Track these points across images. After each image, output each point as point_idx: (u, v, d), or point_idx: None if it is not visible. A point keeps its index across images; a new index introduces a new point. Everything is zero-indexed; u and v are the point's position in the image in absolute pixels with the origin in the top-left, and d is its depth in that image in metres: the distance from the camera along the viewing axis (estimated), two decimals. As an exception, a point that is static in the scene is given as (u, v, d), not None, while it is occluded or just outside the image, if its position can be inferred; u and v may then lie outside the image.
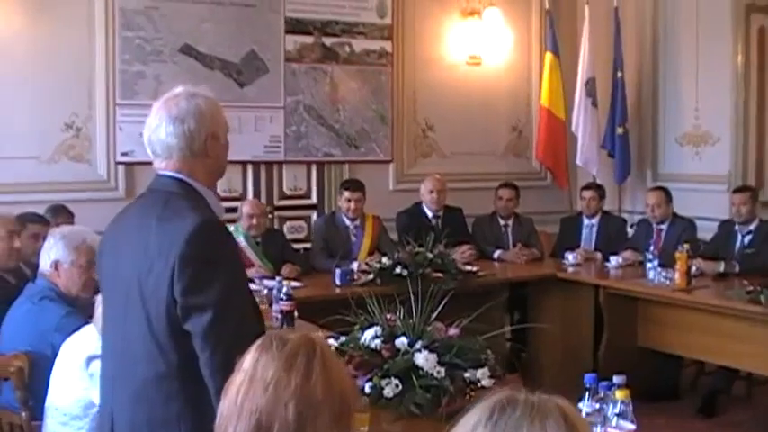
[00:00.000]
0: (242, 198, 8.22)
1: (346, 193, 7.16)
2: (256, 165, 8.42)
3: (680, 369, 6.75)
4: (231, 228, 6.84)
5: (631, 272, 6.85)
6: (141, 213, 2.81)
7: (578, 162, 9.12)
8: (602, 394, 2.69)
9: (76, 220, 6.96)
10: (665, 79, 9.02)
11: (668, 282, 6.24)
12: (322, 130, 8.58)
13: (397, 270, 6.20)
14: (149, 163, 7.03)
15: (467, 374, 3.41)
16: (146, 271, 2.63)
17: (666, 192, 7.40)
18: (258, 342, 1.97)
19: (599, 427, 2.61)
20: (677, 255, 6.17)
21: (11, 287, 4.41)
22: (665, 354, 6.52)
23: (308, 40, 8.49)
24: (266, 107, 8.34)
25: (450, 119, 9.15)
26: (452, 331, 3.67)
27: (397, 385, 3.36)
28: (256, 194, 8.38)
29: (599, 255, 7.32)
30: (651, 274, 6.44)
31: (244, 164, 8.37)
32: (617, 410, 2.58)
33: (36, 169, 7.46)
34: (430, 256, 6.32)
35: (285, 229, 8.43)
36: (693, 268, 6.38)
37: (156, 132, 2.81)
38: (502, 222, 7.75)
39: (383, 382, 3.39)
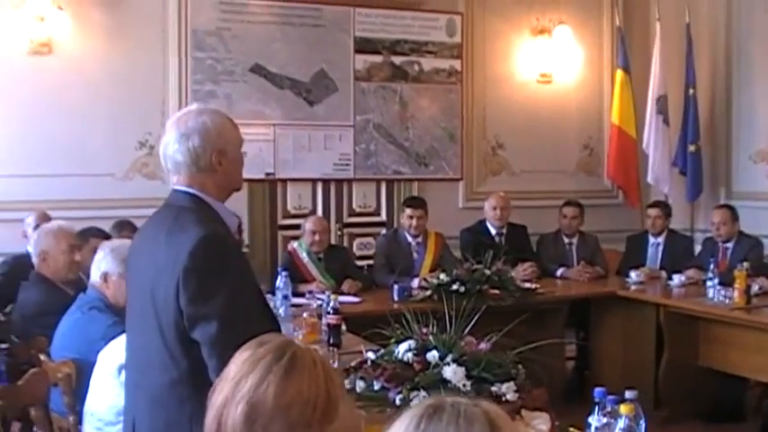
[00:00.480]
0: (311, 214, 8.39)
1: (408, 211, 7.23)
2: (326, 182, 8.56)
3: (744, 390, 6.61)
4: (295, 244, 7.00)
5: (694, 291, 6.75)
6: (155, 227, 2.98)
7: (649, 180, 9.03)
8: (609, 409, 2.69)
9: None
10: (739, 95, 8.87)
11: (727, 300, 6.14)
12: (391, 147, 8.67)
13: (455, 287, 6.24)
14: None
15: (493, 388, 3.44)
16: (157, 283, 2.78)
17: (732, 210, 7.30)
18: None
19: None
20: (736, 273, 6.08)
21: (69, 298, 4.58)
22: (729, 374, 6.41)
23: (378, 59, 8.60)
24: (336, 125, 8.47)
25: (521, 137, 9.16)
26: (483, 346, 3.69)
27: (424, 398, 3.40)
28: (325, 211, 8.53)
29: (663, 273, 7.24)
30: (710, 293, 6.36)
31: (314, 181, 8.53)
32: (622, 426, 2.58)
33: (111, 186, 7.70)
34: (488, 272, 6.34)
35: (354, 246, 8.55)
36: (756, 287, 6.29)
37: (167, 149, 2.94)
38: (566, 240, 7.72)
39: (412, 395, 3.45)
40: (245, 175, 7.48)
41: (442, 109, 8.85)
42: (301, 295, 6.28)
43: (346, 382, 3.67)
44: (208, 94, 8.02)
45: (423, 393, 3.43)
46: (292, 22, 8.28)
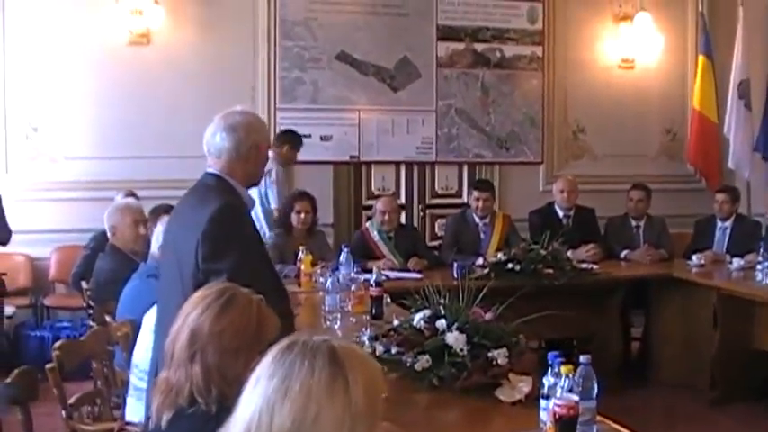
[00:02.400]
0: (395, 196, 8.78)
1: (475, 193, 7.48)
2: (409, 165, 8.93)
3: None
4: (368, 223, 7.38)
5: (751, 274, 6.83)
6: (187, 200, 3.59)
7: (730, 165, 9.10)
8: (557, 369, 2.97)
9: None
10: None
11: (776, 284, 6.26)
12: (473, 132, 8.97)
13: (510, 265, 6.52)
14: (306, 162, 7.74)
15: (489, 354, 3.74)
16: (183, 243, 3.35)
17: None
18: None
19: (552, 399, 2.90)
20: (781, 256, 6.21)
21: (137, 267, 5.06)
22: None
23: (460, 46, 8.91)
24: (418, 110, 8.83)
25: (602, 121, 9.35)
26: (488, 316, 3.98)
27: (427, 360, 3.74)
28: (408, 193, 8.94)
29: (727, 257, 7.32)
30: (759, 276, 6.46)
31: (397, 164, 8.93)
32: (562, 384, 2.87)
33: (203, 168, 8.16)
34: (543, 252, 6.58)
35: (435, 227, 8.89)
36: (743, 261, 6.43)
37: (213, 137, 3.49)
38: (633, 223, 7.85)
39: (419, 358, 3.78)
40: (331, 158, 8.06)
41: (524, 94, 9.11)
42: (369, 271, 6.64)
43: (368, 346, 4.04)
44: (295, 81, 8.47)
45: (425, 357, 3.75)
46: (377, 12, 8.66)
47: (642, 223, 7.85)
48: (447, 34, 8.86)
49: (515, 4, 9.04)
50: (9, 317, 7.36)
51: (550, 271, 6.50)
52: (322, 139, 8.56)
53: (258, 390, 1.78)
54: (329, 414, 1.74)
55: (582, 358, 3.07)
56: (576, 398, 2.86)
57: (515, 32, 9.05)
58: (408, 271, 6.82)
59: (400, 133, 8.75)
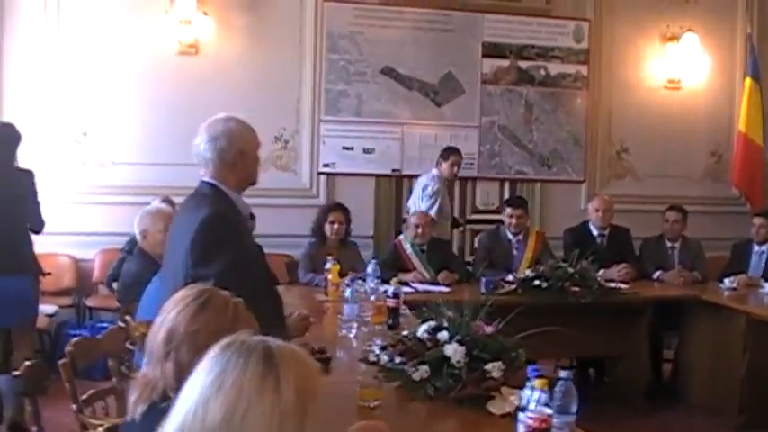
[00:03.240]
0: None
1: (508, 210, 7.54)
2: (450, 180, 8.95)
3: None
4: (401, 236, 7.47)
5: (783, 300, 6.82)
6: (183, 208, 3.76)
7: (774, 188, 9.04)
8: (533, 383, 3.03)
9: (281, 224, 7.88)
10: None
11: (802, 310, 6.22)
12: (515, 149, 9.03)
13: (537, 282, 6.57)
14: (349, 174, 7.93)
15: (486, 366, 3.81)
16: (176, 249, 3.53)
17: None
18: None
19: (526, 412, 2.96)
20: (809, 281, 6.17)
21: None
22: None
23: (504, 63, 8.97)
24: (461, 126, 8.92)
25: (647, 142, 9.34)
26: (489, 329, 4.04)
27: (426, 371, 3.82)
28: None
29: (762, 281, 7.27)
30: (787, 301, 6.46)
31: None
32: (536, 397, 2.93)
33: (245, 176, 8.34)
34: (570, 270, 6.62)
35: (475, 242, 8.94)
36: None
37: (198, 147, 3.63)
38: (669, 244, 7.83)
39: (419, 368, 3.86)
40: (373, 171, 8.23)
41: (567, 112, 9.14)
42: (404, 284, 6.75)
43: (375, 355, 4.14)
44: (340, 94, 8.60)
45: (424, 367, 3.83)
46: (422, 27, 8.77)
47: (677, 245, 7.84)
48: (492, 51, 8.93)
49: (561, 22, 9.08)
50: (51, 315, 7.57)
51: (577, 289, 6.53)
52: (365, 151, 8.68)
53: (196, 384, 1.88)
54: (258, 410, 1.81)
55: (562, 373, 3.12)
56: (548, 411, 2.92)
57: (560, 51, 9.09)
58: (438, 284, 6.89)
59: (443, 148, 8.81)
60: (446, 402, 3.63)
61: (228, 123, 3.65)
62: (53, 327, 7.77)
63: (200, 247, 3.40)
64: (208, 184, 3.60)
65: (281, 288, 6.92)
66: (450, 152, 8.22)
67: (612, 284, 6.90)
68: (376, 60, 8.68)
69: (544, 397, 2.93)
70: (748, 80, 9.20)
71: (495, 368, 3.74)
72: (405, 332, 4.37)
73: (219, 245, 3.41)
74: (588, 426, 6.29)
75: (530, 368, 3.10)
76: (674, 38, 9.28)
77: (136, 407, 2.48)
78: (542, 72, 9.07)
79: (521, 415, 2.98)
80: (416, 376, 3.81)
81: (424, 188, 8.09)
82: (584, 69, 9.16)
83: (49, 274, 7.56)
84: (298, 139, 8.60)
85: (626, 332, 6.96)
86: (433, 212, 7.85)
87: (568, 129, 9.16)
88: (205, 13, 8.26)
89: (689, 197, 9.18)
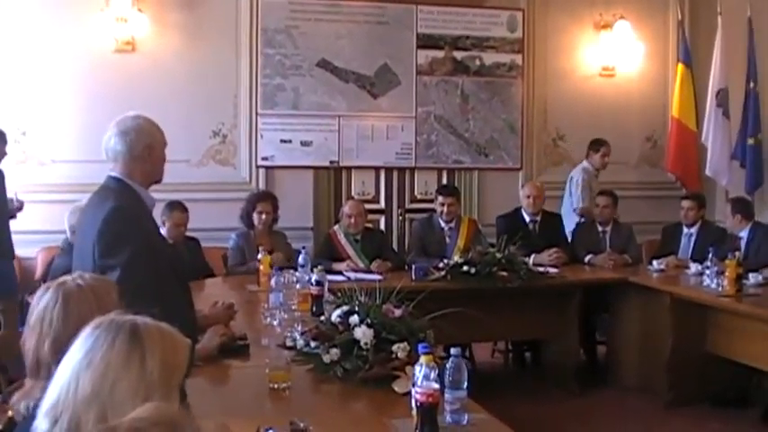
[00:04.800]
0: (375, 200, 8.99)
1: (440, 198, 7.62)
2: (388, 170, 9.13)
3: (750, 377, 6.72)
4: (336, 226, 7.56)
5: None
6: (90, 202, 3.82)
7: (708, 172, 9.19)
8: (422, 360, 3.13)
9: (221, 217, 7.97)
10: (804, 88, 8.97)
11: (720, 289, 6.36)
12: (452, 138, 9.15)
13: (465, 268, 6.68)
14: (287, 167, 7.99)
15: (393, 347, 3.92)
16: (82, 241, 3.67)
17: (738, 201, 7.64)
18: None
19: (416, 387, 3.07)
20: (726, 262, 6.28)
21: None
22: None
23: (439, 54, 9.09)
24: (398, 116, 9.02)
25: (582, 129, 9.44)
26: (398, 312, 4.15)
27: (336, 353, 3.92)
28: (388, 198, 9.14)
29: (690, 263, 7.40)
30: (706, 281, 6.57)
31: (376, 169, 9.11)
32: (422, 372, 3.03)
33: (186, 171, 8.40)
34: (498, 256, 6.72)
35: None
36: (760, 277, 6.51)
37: (108, 142, 3.74)
38: (600, 229, 7.96)
39: (330, 351, 3.97)
40: (311, 163, 8.38)
41: (503, 101, 9.27)
42: (337, 273, 6.86)
43: (292, 340, 4.25)
44: (276, 88, 8.68)
45: (335, 350, 3.94)
46: (357, 20, 8.87)
47: (609, 229, 7.96)
48: (427, 42, 9.04)
49: (495, 12, 9.20)
50: (-8, 314, 7.60)
51: (505, 274, 6.63)
52: (303, 144, 8.76)
53: (69, 362, 2.00)
54: (125, 382, 1.94)
55: (452, 351, 3.24)
56: (435, 386, 3.02)
57: (495, 41, 9.21)
58: (371, 273, 7.00)
59: (380, 139, 8.94)
60: (355, 383, 3.75)
61: (138, 120, 3.77)
62: (-5, 325, 7.79)
63: (106, 238, 3.51)
64: (114, 178, 3.70)
65: (216, 280, 7.05)
66: (599, 143, 8.74)
67: (541, 269, 7.01)
68: (312, 54, 8.76)
69: (432, 373, 3.03)
70: (680, 66, 9.36)
71: (400, 349, 3.85)
72: (322, 318, 4.49)
73: (124, 236, 3.52)
74: (522, 406, 6.48)
75: (420, 346, 3.20)
76: (607, 26, 9.43)
77: (19, 404, 2.56)
78: (477, 62, 9.18)
79: (412, 390, 3.08)
80: (327, 359, 3.93)
81: (572, 181, 8.62)
82: (518, 58, 9.29)
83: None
84: (236, 134, 8.67)
85: (556, 315, 7.08)
86: (582, 205, 8.35)
87: (504, 117, 9.29)
88: (140, 11, 8.29)
89: (625, 182, 9.36)
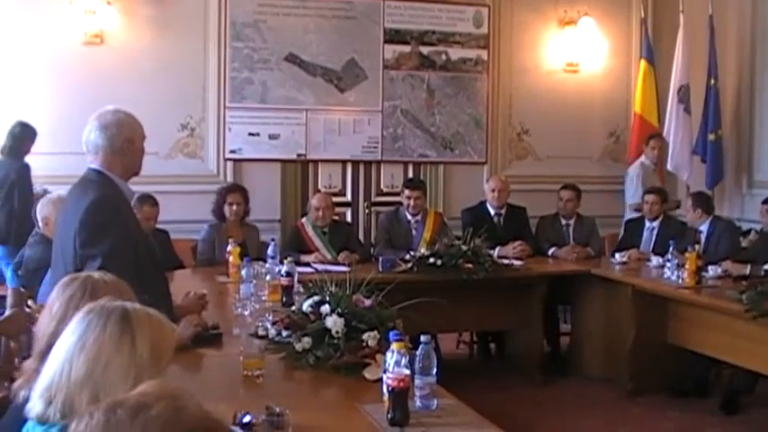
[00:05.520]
0: (341, 193, 9.08)
1: (407, 191, 7.71)
2: (355, 163, 9.22)
3: (710, 367, 6.90)
4: (304, 219, 7.64)
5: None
6: (70, 194, 3.94)
7: (669, 167, 9.37)
8: (393, 346, 3.24)
9: (189, 210, 8.05)
10: (762, 86, 9.17)
11: (680, 281, 6.50)
12: (418, 132, 9.26)
13: (431, 260, 6.80)
14: (255, 159, 8.04)
15: (364, 336, 4.02)
16: (64, 232, 3.74)
17: (699, 196, 7.82)
18: None
19: (387, 373, 3.18)
20: (687, 255, 6.43)
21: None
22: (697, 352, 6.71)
23: (406, 48, 9.20)
24: (365, 110, 9.12)
25: (547, 124, 9.63)
26: (368, 302, 4.26)
27: (308, 342, 4.02)
28: (354, 191, 9.23)
29: (652, 256, 7.54)
30: (666, 273, 6.73)
31: (344, 162, 9.21)
32: (394, 359, 3.14)
33: (155, 164, 8.33)
34: (464, 248, 6.84)
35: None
36: (719, 269, 6.67)
37: (88, 136, 3.85)
38: (563, 222, 8.11)
39: (302, 340, 4.07)
40: (279, 156, 8.45)
41: (468, 96, 9.40)
42: (305, 264, 6.94)
43: (264, 330, 4.34)
44: (244, 81, 8.75)
45: (307, 339, 4.03)
46: (325, 15, 8.95)
47: (572, 222, 8.11)
48: (393, 37, 9.15)
49: (461, 8, 9.32)
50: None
51: (470, 266, 6.75)
52: (270, 137, 8.84)
53: (62, 346, 2.10)
54: (116, 364, 2.06)
55: (422, 338, 3.34)
56: (406, 371, 3.12)
57: (461, 36, 9.33)
58: (338, 264, 7.09)
59: (347, 133, 9.03)
60: (327, 370, 3.84)
61: (118, 114, 3.88)
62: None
63: (87, 229, 3.59)
64: (94, 170, 3.80)
65: (185, 271, 7.12)
66: (651, 137, 9.06)
67: (506, 261, 7.13)
68: (280, 48, 8.84)
69: (402, 359, 3.13)
70: (643, 63, 9.54)
71: (370, 337, 3.95)
72: (293, 308, 4.59)
73: (105, 226, 3.62)
74: (486, 396, 6.59)
75: (391, 333, 3.30)
76: (571, 22, 9.58)
77: (19, 391, 2.64)
78: (443, 57, 9.30)
79: (384, 376, 3.18)
80: (299, 347, 4.02)
81: (627, 176, 9.13)
82: (484, 54, 9.41)
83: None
84: (204, 127, 8.73)
85: (520, 307, 7.21)
86: (635, 199, 8.57)
87: (470, 112, 9.41)
88: (109, 3, 8.33)
89: (589, 176, 9.53)
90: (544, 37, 9.63)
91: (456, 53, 9.33)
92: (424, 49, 9.24)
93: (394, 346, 3.16)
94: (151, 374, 2.07)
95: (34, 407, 2.06)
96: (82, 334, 2.09)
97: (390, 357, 3.16)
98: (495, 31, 9.45)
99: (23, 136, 7.81)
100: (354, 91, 9.06)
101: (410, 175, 9.26)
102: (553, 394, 7.03)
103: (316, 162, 9.08)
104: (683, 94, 9.32)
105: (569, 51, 9.63)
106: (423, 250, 6.98)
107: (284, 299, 5.31)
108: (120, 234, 3.63)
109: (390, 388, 3.11)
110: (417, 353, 3.28)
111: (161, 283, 3.93)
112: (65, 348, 2.08)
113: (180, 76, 8.63)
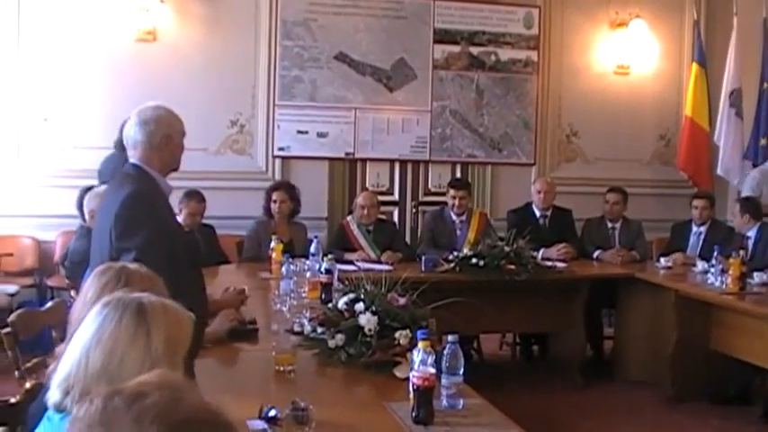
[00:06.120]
0: (389, 192, 9.12)
1: (451, 191, 7.75)
2: (403, 163, 9.25)
3: (753, 375, 6.79)
4: (349, 217, 7.70)
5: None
6: (108, 188, 4.06)
7: (719, 172, 9.30)
8: (419, 345, 3.26)
9: (237, 206, 8.16)
10: (816, 90, 9.04)
11: (723, 286, 6.46)
12: (466, 132, 9.26)
13: (474, 261, 6.81)
14: (303, 157, 8.13)
15: (396, 334, 4.06)
16: (101, 224, 3.82)
17: (747, 201, 7.73)
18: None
19: (413, 371, 3.21)
20: (731, 261, 6.38)
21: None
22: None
23: (456, 49, 9.20)
24: (413, 110, 9.14)
25: (596, 126, 9.58)
26: (402, 301, 4.29)
27: (341, 339, 4.07)
28: (402, 190, 9.27)
29: (698, 260, 7.47)
30: (710, 278, 6.68)
31: (391, 161, 9.23)
32: (419, 357, 3.17)
33: (204, 160, 8.54)
34: (507, 249, 6.85)
35: (425, 223, 9.21)
36: (765, 276, 6.60)
37: (129, 131, 3.89)
38: (609, 225, 8.07)
39: (336, 336, 4.12)
40: (327, 154, 8.54)
41: (517, 97, 9.37)
42: (349, 263, 7.00)
43: (300, 326, 4.41)
44: (294, 79, 8.81)
45: (340, 336, 4.08)
46: (375, 14, 8.98)
47: (618, 225, 8.07)
48: (443, 37, 9.16)
49: (512, 9, 9.30)
50: (12, 295, 7.79)
51: (512, 267, 6.75)
52: (319, 135, 8.89)
53: (80, 339, 2.15)
54: (131, 357, 2.10)
55: (449, 337, 3.36)
56: (432, 370, 3.15)
57: (511, 37, 9.31)
58: (381, 263, 7.13)
59: (395, 132, 9.06)
60: (358, 368, 3.89)
61: (158, 110, 3.89)
62: (14, 306, 7.97)
63: (122, 222, 3.64)
64: (133, 165, 3.84)
65: (230, 267, 7.21)
66: None
67: (549, 263, 7.12)
68: (330, 46, 8.89)
69: (428, 357, 3.16)
70: (695, 66, 9.45)
71: (402, 336, 3.98)
72: (329, 305, 4.64)
73: (141, 220, 3.66)
74: (527, 398, 6.61)
75: (418, 332, 3.33)
76: (622, 24, 9.51)
77: (51, 375, 2.71)
78: (493, 57, 9.29)
79: (410, 374, 3.21)
80: (332, 344, 4.08)
81: (747, 178, 8.99)
82: (534, 55, 9.39)
83: (11, 255, 7.93)
84: (253, 124, 8.81)
85: (562, 309, 7.20)
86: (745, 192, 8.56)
87: (518, 113, 9.39)
88: (162, 1, 8.44)
89: (638, 180, 9.48)
90: (595, 39, 9.57)
91: (506, 54, 9.32)
92: (474, 50, 9.24)
93: (420, 344, 3.19)
94: (166, 366, 2.11)
95: (53, 395, 2.12)
96: (99, 327, 2.14)
97: (416, 356, 3.19)
98: (545, 33, 9.42)
99: None
100: (403, 90, 9.09)
101: (458, 175, 9.25)
102: (594, 398, 7.00)
103: (364, 161, 9.13)
104: (735, 98, 9.23)
105: (620, 53, 9.55)
106: (465, 250, 6.98)
107: (323, 296, 5.36)
108: (154, 228, 3.67)
109: (415, 386, 3.15)
110: (444, 352, 3.31)
111: (196, 277, 3.97)
112: (82, 341, 2.14)
113: (230, 73, 8.71)
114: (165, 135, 3.85)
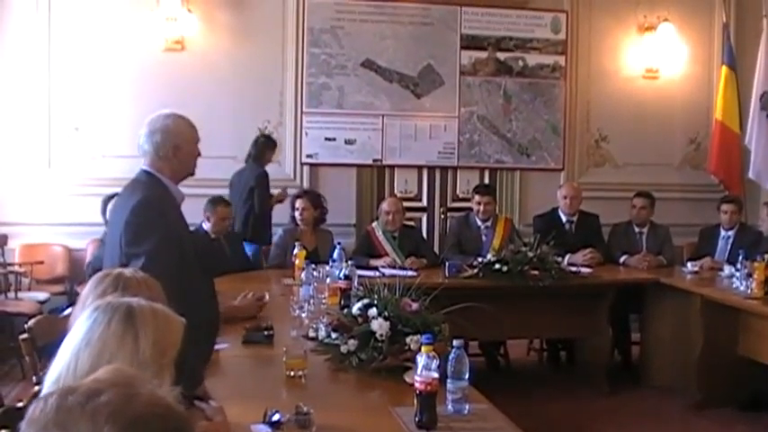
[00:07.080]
0: (417, 199, 9.13)
1: (476, 197, 7.73)
2: (431, 169, 9.26)
3: None
4: (374, 223, 7.71)
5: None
6: (121, 194, 4.05)
7: (750, 175, 9.21)
8: (422, 350, 3.27)
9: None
10: None
11: (749, 291, 6.38)
12: (494, 138, 9.26)
13: (497, 266, 6.79)
14: (331, 164, 8.19)
15: (407, 339, 4.07)
16: (113, 230, 3.88)
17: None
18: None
19: (416, 375, 3.22)
20: (756, 264, 6.32)
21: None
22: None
23: (483, 54, 9.20)
24: (441, 116, 9.16)
25: (625, 130, 9.53)
26: (414, 306, 4.30)
27: (354, 344, 4.09)
28: (430, 196, 9.28)
29: (725, 265, 7.40)
30: (735, 283, 6.61)
31: (419, 168, 9.24)
32: (423, 362, 3.17)
33: (233, 168, 8.56)
34: (530, 255, 6.82)
35: (452, 229, 9.20)
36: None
37: (139, 139, 3.94)
38: (637, 230, 8.02)
39: (349, 342, 4.14)
40: (355, 161, 8.57)
41: (546, 102, 9.35)
42: (374, 269, 7.02)
43: (313, 330, 4.44)
44: (321, 87, 8.86)
45: (353, 341, 4.10)
46: (402, 21, 9.01)
47: (645, 230, 8.01)
48: (470, 43, 9.16)
49: (539, 14, 9.29)
50: (42, 302, 7.88)
51: (536, 273, 6.73)
52: (346, 142, 8.93)
53: (70, 342, 2.18)
54: (119, 359, 2.09)
55: (455, 342, 3.37)
56: (434, 375, 3.16)
57: (538, 42, 9.30)
58: (405, 269, 7.13)
59: (423, 138, 9.08)
60: (369, 373, 3.90)
61: (167, 120, 3.91)
62: (44, 313, 8.07)
63: (132, 228, 3.67)
64: (144, 171, 3.88)
65: (255, 273, 7.25)
66: None
67: (574, 269, 7.08)
68: (356, 54, 8.93)
69: (432, 362, 3.17)
70: (724, 69, 9.37)
71: (413, 341, 3.99)
72: (345, 311, 4.66)
73: (150, 226, 3.68)
74: (553, 403, 6.59)
75: (423, 336, 3.34)
76: (650, 28, 9.45)
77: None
78: (520, 63, 9.28)
79: (415, 378, 3.22)
80: (344, 349, 4.10)
81: None
82: (561, 60, 9.36)
83: (41, 263, 8.04)
84: (281, 131, 8.86)
85: (587, 315, 7.16)
86: None
87: (547, 118, 9.37)
88: (190, 11, 8.53)
89: (668, 184, 9.42)
90: (623, 43, 9.53)
91: (533, 59, 9.30)
92: (501, 56, 9.23)
93: (423, 349, 3.20)
94: (153, 370, 2.14)
95: None
96: (88, 329, 2.17)
97: (420, 360, 3.20)
98: (573, 37, 9.39)
99: (265, 147, 8.24)
100: (431, 97, 9.10)
101: (486, 181, 9.25)
102: (620, 404, 6.96)
103: (392, 167, 9.16)
104: (766, 101, 9.14)
105: (649, 57, 9.50)
106: (489, 256, 6.97)
107: (342, 302, 5.38)
108: (163, 234, 3.70)
109: (418, 391, 3.16)
110: (450, 357, 3.31)
111: (206, 284, 4.01)
112: (73, 343, 2.16)
113: (258, 81, 8.78)
114: (173, 146, 3.86)
